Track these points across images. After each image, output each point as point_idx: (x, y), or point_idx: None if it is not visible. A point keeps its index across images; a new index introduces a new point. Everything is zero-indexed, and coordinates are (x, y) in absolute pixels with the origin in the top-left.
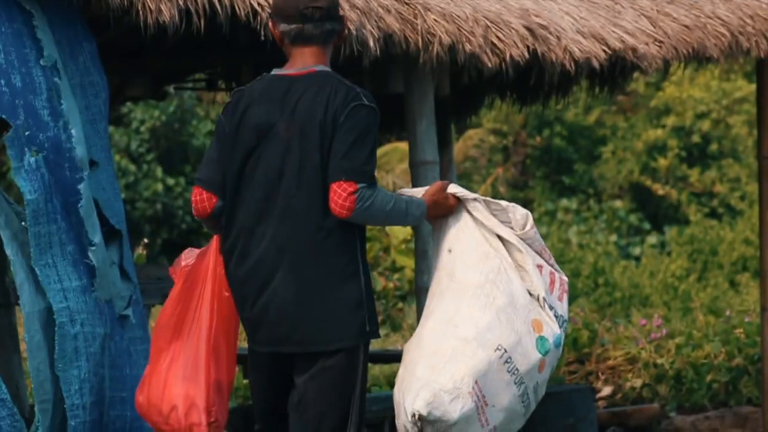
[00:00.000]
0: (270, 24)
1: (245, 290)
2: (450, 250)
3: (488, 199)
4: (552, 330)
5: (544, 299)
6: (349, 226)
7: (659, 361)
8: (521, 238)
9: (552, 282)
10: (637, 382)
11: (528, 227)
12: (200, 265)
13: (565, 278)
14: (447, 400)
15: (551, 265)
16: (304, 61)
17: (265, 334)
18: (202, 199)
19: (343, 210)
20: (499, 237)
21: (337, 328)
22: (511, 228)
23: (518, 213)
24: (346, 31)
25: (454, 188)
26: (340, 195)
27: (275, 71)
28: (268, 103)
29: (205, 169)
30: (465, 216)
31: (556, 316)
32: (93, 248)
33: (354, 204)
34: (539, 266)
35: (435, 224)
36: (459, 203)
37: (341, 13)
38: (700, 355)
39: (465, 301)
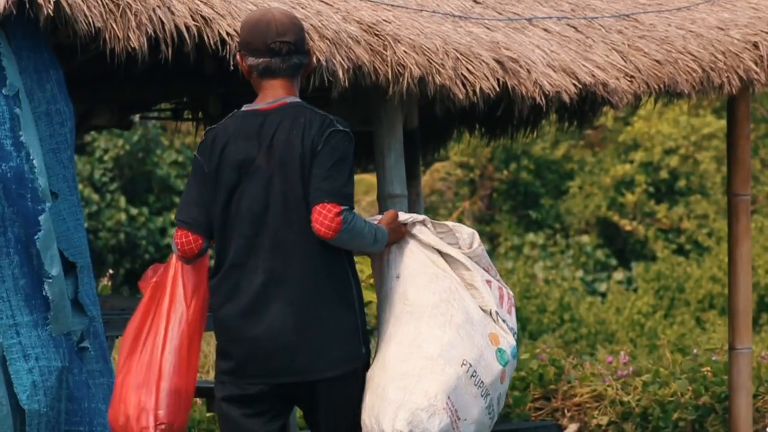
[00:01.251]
0: (238, 57)
1: (237, 324)
2: (398, 276)
3: (435, 221)
4: (508, 342)
5: (497, 313)
6: (337, 251)
7: (626, 398)
8: (469, 257)
9: (501, 296)
10: (604, 420)
11: (475, 245)
12: (162, 278)
13: (511, 293)
14: (425, 418)
15: (498, 281)
16: (274, 94)
17: (257, 367)
18: (188, 241)
19: (329, 231)
20: (448, 256)
21: (338, 352)
22: (459, 248)
23: (464, 233)
24: (314, 62)
25: (401, 215)
26: (326, 216)
27: (246, 107)
28: (245, 140)
29: (187, 210)
30: (410, 241)
31: (509, 329)
32: (49, 281)
33: (340, 225)
34: (488, 282)
35: (379, 254)
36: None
37: (308, 45)
38: (667, 393)
39: (424, 322)
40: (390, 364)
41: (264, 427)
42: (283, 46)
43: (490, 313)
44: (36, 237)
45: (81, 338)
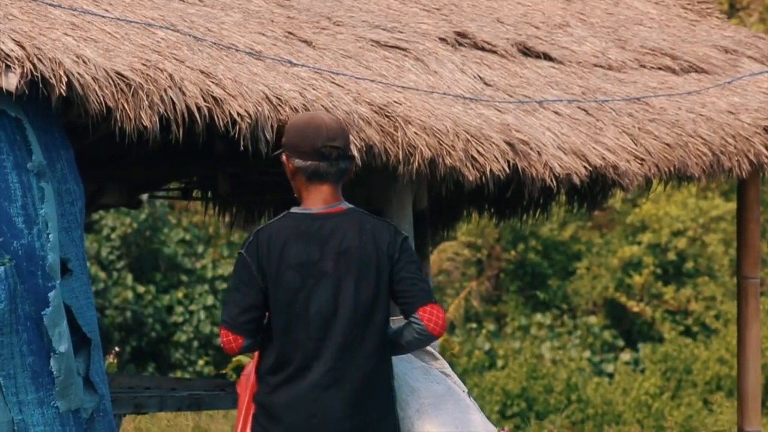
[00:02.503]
0: (284, 157)
1: (294, 415)
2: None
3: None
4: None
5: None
6: (387, 354)
7: None
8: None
9: None
10: None
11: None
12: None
13: None
14: None
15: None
16: (324, 199)
17: None
18: (229, 341)
19: (442, 329)
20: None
21: None
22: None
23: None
24: (355, 167)
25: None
26: (438, 316)
27: (296, 209)
28: (304, 242)
29: (229, 309)
30: None
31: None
32: (57, 356)
33: (446, 324)
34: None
35: None
36: None
37: (352, 152)
38: None
39: (451, 408)
40: None
41: None
42: (333, 150)
43: (467, 394)
44: (43, 313)
45: (91, 415)
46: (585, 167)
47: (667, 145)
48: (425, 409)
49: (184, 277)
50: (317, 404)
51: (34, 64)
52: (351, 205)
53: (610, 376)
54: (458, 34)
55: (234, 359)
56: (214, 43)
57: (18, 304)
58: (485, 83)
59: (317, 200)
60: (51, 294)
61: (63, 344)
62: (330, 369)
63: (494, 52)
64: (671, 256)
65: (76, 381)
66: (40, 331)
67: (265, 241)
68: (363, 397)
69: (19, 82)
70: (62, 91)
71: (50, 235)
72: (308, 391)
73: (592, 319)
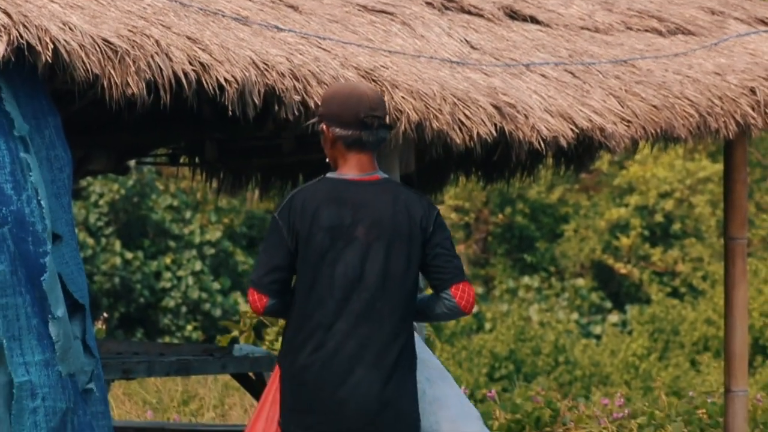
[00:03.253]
0: (323, 126)
1: (318, 383)
2: None
3: None
4: None
5: None
6: (411, 323)
7: None
8: None
9: None
10: None
11: None
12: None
13: None
14: None
15: None
16: (362, 167)
17: (336, 425)
18: (254, 300)
19: (472, 308)
20: None
21: (414, 420)
22: None
23: None
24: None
25: None
26: (470, 294)
27: (332, 174)
28: (337, 206)
29: (257, 270)
30: None
31: None
32: (55, 320)
33: (475, 302)
34: None
35: None
36: None
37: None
38: None
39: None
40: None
41: None
42: (375, 120)
43: None
44: (42, 279)
45: (90, 378)
46: (572, 130)
47: (654, 106)
48: (434, 378)
49: (172, 243)
50: (340, 367)
51: (20, 32)
52: (386, 175)
53: (598, 337)
54: None
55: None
56: (201, 9)
57: (17, 267)
58: (472, 47)
59: (354, 167)
60: (46, 259)
61: (60, 309)
62: (351, 332)
63: (481, 16)
64: (658, 217)
65: (74, 345)
66: (35, 295)
67: (299, 203)
68: (386, 364)
69: (6, 49)
70: (48, 58)
71: (42, 202)
72: (331, 353)
73: (580, 282)
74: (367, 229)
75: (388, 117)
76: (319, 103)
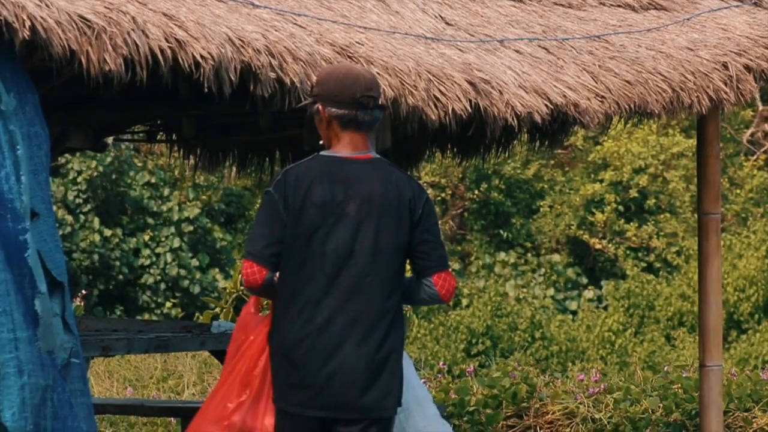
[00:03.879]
0: (319, 105)
1: (308, 357)
2: None
3: None
4: None
5: None
6: (400, 301)
7: (597, 415)
8: None
9: None
10: None
11: None
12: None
13: None
14: None
15: None
16: (355, 145)
17: (324, 399)
18: (252, 272)
19: (452, 297)
20: None
21: (395, 397)
22: None
23: None
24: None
25: None
26: (451, 284)
27: (325, 153)
28: (329, 183)
29: (255, 243)
30: None
31: None
32: (40, 296)
33: (455, 291)
34: None
35: None
36: None
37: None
38: (638, 410)
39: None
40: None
41: None
42: (370, 100)
43: None
44: (27, 255)
45: (69, 356)
46: (546, 105)
47: (627, 82)
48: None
49: (150, 220)
50: (330, 342)
51: None
52: (379, 156)
53: (574, 313)
54: None
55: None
56: None
57: (1, 243)
58: (446, 23)
59: (347, 146)
60: (26, 236)
61: (43, 285)
62: (340, 307)
63: None
64: (633, 193)
65: (54, 322)
66: (17, 272)
67: (293, 179)
68: (375, 339)
69: None
70: (26, 35)
71: (23, 178)
72: (320, 328)
73: (556, 257)
74: (358, 206)
75: (382, 98)
76: (313, 84)
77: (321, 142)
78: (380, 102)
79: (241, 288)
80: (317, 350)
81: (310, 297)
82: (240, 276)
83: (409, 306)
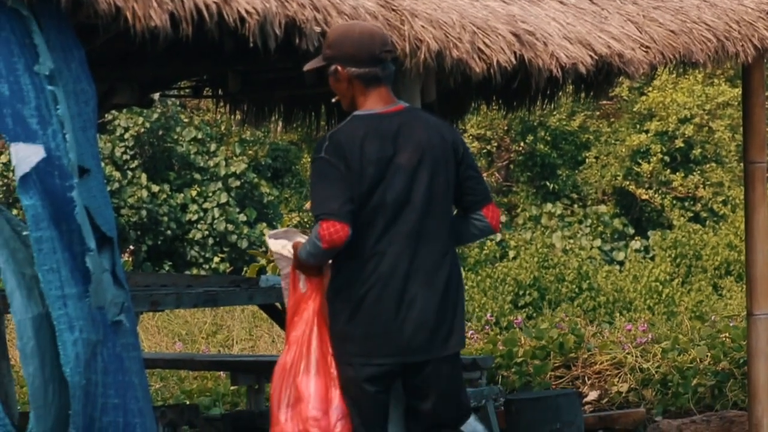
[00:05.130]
0: (338, 66)
1: (377, 307)
2: None
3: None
4: None
5: None
6: (453, 242)
7: (645, 365)
8: None
9: None
10: (624, 387)
11: None
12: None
13: None
14: None
15: None
16: (384, 100)
17: (395, 346)
18: (336, 230)
19: (499, 226)
20: None
21: (461, 335)
22: None
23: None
24: None
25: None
26: (498, 214)
27: (360, 112)
28: (379, 139)
29: (330, 203)
30: None
31: None
32: (91, 254)
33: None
34: None
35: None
36: None
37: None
38: (686, 360)
39: None
40: None
41: (387, 402)
42: (387, 55)
43: None
44: (75, 212)
45: (121, 310)
46: (590, 56)
47: (672, 32)
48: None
49: (197, 176)
50: (396, 288)
51: None
52: (408, 104)
53: (621, 264)
54: None
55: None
56: None
57: (47, 200)
58: None
59: (377, 102)
60: (73, 194)
61: (92, 242)
62: (402, 253)
63: None
64: (679, 143)
65: (104, 277)
66: (62, 230)
67: (344, 141)
68: (439, 281)
69: None
70: None
71: (67, 136)
72: (386, 276)
73: (602, 208)
74: (409, 155)
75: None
76: (326, 47)
77: (334, 100)
78: (395, 55)
79: None
80: (385, 298)
81: (374, 247)
82: (315, 234)
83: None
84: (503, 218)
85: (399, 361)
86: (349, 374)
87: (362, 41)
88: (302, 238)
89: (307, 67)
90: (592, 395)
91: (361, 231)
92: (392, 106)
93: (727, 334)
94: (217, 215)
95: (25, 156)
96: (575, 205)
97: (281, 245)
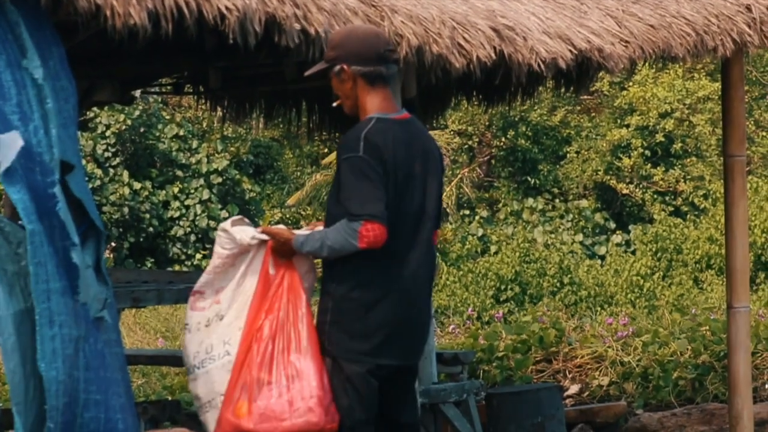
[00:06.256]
0: (343, 65)
1: (395, 310)
2: None
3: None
4: None
5: None
6: None
7: (626, 359)
8: None
9: None
10: (605, 380)
11: None
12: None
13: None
14: None
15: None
16: (392, 105)
17: (404, 348)
18: (379, 233)
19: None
20: None
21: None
22: None
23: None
24: None
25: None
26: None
27: (380, 115)
28: (403, 146)
29: (374, 205)
30: None
31: None
32: (75, 247)
33: None
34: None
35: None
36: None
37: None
38: (667, 353)
39: None
40: None
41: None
42: (391, 54)
43: None
44: (57, 208)
45: (103, 306)
46: (570, 51)
47: (651, 26)
48: None
49: (179, 173)
50: (414, 292)
51: None
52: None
53: (602, 258)
54: None
55: None
56: None
57: (31, 194)
58: None
59: (384, 104)
60: (54, 189)
61: (75, 236)
62: (421, 260)
63: None
64: (659, 137)
65: (86, 273)
66: (46, 224)
67: (380, 143)
68: (430, 289)
69: None
70: None
71: (53, 131)
72: (408, 280)
73: (584, 203)
74: (421, 165)
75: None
76: (330, 48)
77: (336, 104)
78: (398, 57)
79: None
80: (402, 302)
81: (397, 252)
82: (351, 231)
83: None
84: (483, 213)
85: (401, 363)
86: (357, 370)
87: (367, 40)
88: (251, 228)
89: (309, 72)
90: (573, 389)
91: (390, 236)
92: (401, 113)
93: (707, 328)
94: (199, 212)
95: (7, 146)
96: (556, 200)
97: (242, 233)
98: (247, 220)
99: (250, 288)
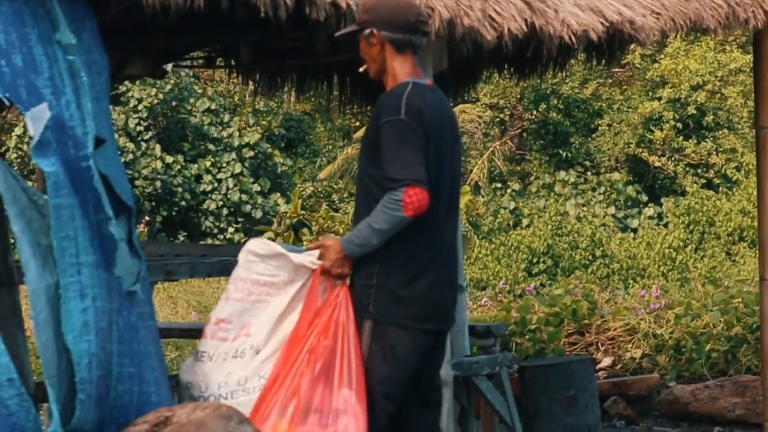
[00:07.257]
0: (373, 29)
1: (438, 273)
2: None
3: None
4: None
5: None
6: None
7: (658, 331)
8: None
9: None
10: (637, 353)
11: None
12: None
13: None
14: None
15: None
16: (421, 72)
17: (446, 312)
18: (423, 197)
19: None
20: None
21: None
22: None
23: None
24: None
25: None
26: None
27: (415, 80)
28: (438, 110)
29: (416, 169)
30: None
31: None
32: (111, 222)
33: None
34: None
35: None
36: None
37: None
38: (699, 325)
39: None
40: None
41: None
42: (422, 25)
43: None
44: (94, 180)
45: (137, 279)
46: (602, 23)
47: None
48: None
49: (211, 146)
50: (450, 259)
51: None
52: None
53: (634, 231)
54: None
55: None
56: None
57: (65, 168)
58: None
59: (413, 69)
60: (88, 163)
61: (110, 210)
62: (456, 226)
63: None
64: (691, 110)
65: (120, 246)
66: (80, 197)
67: (422, 108)
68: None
69: None
70: None
71: (87, 105)
72: (447, 246)
73: (615, 176)
74: (448, 131)
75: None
76: (363, 12)
77: (362, 69)
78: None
79: (303, 213)
80: (444, 266)
81: (439, 218)
82: (394, 203)
83: (468, 225)
84: (516, 186)
85: (441, 327)
86: (400, 335)
87: (399, 7)
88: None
89: (339, 33)
90: (606, 361)
91: (432, 201)
92: (428, 79)
93: (740, 300)
94: (231, 186)
95: (37, 119)
96: (588, 173)
97: (302, 257)
98: (267, 240)
99: (290, 324)
